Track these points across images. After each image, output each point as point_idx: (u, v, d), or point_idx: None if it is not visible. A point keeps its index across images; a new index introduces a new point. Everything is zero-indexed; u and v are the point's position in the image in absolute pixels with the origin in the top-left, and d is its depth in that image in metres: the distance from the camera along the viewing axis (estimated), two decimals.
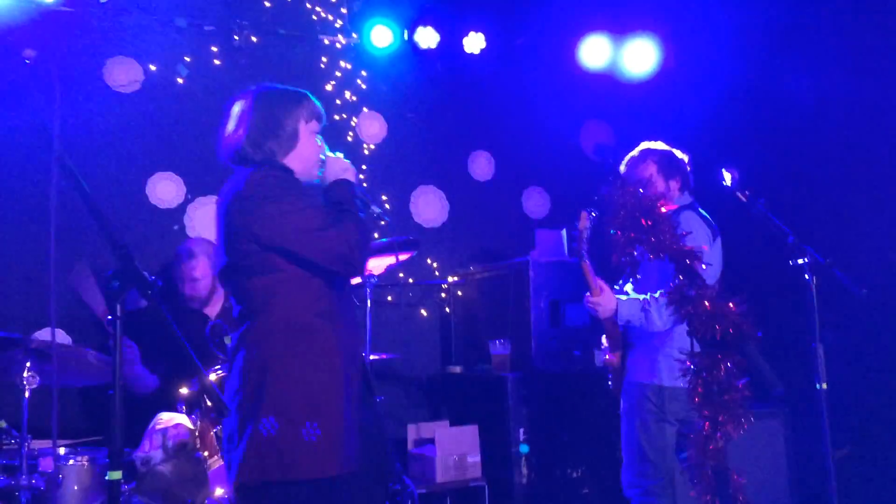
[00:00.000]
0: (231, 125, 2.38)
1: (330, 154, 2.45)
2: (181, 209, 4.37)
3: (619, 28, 5.14)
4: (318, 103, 2.45)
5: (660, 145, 3.37)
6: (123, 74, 4.29)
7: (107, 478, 1.80)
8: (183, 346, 1.94)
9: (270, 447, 2.08)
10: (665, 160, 3.29)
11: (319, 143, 2.45)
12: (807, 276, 2.76)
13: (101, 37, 4.24)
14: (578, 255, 2.98)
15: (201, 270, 3.75)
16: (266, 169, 2.26)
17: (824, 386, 2.73)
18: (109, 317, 1.81)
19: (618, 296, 3.10)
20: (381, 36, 4.77)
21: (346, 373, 2.21)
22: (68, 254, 3.98)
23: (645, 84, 5.19)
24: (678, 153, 3.35)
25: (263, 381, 2.14)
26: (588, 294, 3.09)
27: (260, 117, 2.34)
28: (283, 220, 2.17)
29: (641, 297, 3.06)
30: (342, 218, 2.21)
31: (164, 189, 4.34)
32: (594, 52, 5.13)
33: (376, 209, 2.39)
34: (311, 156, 2.40)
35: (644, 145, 3.37)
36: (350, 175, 2.38)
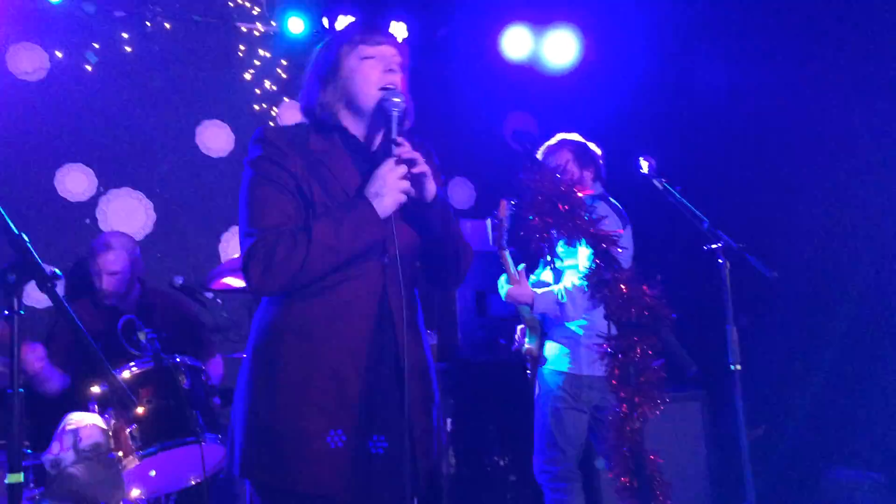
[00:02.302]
0: None
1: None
2: (93, 202, 4.20)
3: (541, 19, 5.18)
4: (367, 22, 1.98)
5: (575, 136, 3.43)
6: (27, 61, 4.11)
7: (6, 481, 1.71)
8: (90, 343, 1.86)
9: None
10: (580, 150, 3.37)
11: (378, 70, 1.86)
12: (720, 261, 2.83)
13: (3, 22, 4.03)
14: (498, 244, 2.99)
15: (119, 264, 3.59)
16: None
17: (738, 367, 2.81)
18: (6, 311, 1.73)
19: (534, 288, 3.12)
20: (296, 24, 4.68)
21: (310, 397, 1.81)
22: None
23: (566, 75, 5.25)
24: (592, 146, 3.43)
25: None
26: (502, 282, 3.11)
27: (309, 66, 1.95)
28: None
29: (556, 288, 3.09)
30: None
31: (74, 181, 4.17)
32: (515, 43, 5.16)
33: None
34: (359, 91, 1.85)
35: (560, 136, 3.43)
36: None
